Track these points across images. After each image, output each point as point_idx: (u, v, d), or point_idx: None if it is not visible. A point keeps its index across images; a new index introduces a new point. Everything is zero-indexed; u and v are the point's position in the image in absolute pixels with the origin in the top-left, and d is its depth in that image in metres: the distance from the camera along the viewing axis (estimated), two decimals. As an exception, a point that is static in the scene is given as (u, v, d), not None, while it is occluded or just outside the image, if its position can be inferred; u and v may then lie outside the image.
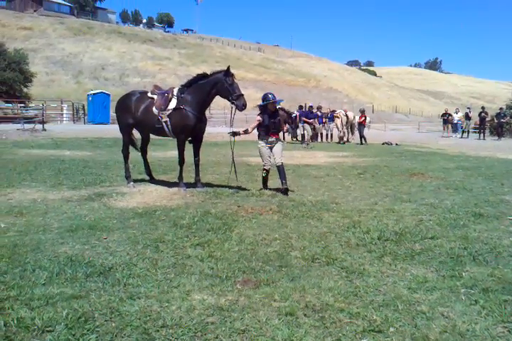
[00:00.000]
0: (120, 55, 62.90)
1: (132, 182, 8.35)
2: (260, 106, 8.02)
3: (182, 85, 8.06)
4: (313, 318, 3.10)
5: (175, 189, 7.96)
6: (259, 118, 7.80)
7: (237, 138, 8.06)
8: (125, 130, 8.59)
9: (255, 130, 7.98)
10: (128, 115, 8.27)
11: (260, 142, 7.92)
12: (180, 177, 8.09)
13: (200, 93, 7.75)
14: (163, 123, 7.85)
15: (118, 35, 71.74)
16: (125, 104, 8.35)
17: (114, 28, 76.69)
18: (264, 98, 7.83)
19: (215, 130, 24.49)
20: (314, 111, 22.60)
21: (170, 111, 7.80)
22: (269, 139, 7.85)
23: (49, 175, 9.33)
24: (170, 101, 7.89)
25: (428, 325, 3.01)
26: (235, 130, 7.90)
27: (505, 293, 3.50)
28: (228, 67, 7.64)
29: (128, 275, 3.80)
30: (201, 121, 7.94)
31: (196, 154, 8.15)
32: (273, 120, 7.82)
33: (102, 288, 3.53)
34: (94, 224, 5.45)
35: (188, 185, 8.03)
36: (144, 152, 9.06)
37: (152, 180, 8.90)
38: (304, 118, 20.63)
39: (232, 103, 7.55)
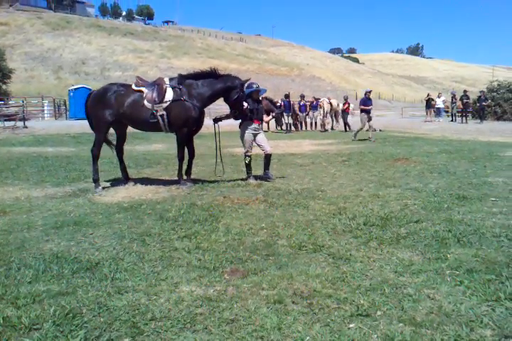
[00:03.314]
0: (100, 48, 61.97)
1: (100, 187, 7.42)
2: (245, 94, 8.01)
3: (181, 75, 7.57)
4: (302, 305, 3.12)
5: (160, 182, 7.91)
6: (243, 103, 7.77)
7: (222, 129, 8.05)
8: (102, 128, 7.53)
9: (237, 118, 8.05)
10: (108, 111, 7.32)
11: (243, 128, 7.96)
12: (180, 174, 7.64)
13: (208, 90, 7.38)
14: (159, 117, 7.25)
15: (98, 29, 70.59)
16: (104, 99, 7.38)
17: (93, 22, 75.41)
18: (249, 86, 7.90)
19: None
20: (295, 100, 22.27)
21: (167, 103, 7.21)
22: (253, 125, 7.90)
23: (32, 172, 9.22)
24: (165, 92, 7.28)
25: (415, 307, 3.05)
26: (217, 116, 7.93)
27: (488, 272, 3.55)
28: (248, 79, 7.71)
29: (115, 270, 3.78)
30: (202, 116, 7.59)
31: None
32: (256, 106, 7.94)
33: (89, 284, 3.50)
34: (79, 220, 5.41)
35: (172, 182, 7.89)
36: (120, 152, 8.05)
37: (133, 179, 8.08)
38: (362, 106, 17.08)
39: (234, 113, 7.65)
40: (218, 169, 8.35)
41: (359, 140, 16.57)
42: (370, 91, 17.36)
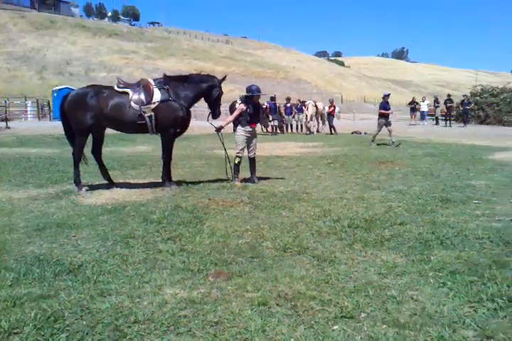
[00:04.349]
0: (85, 49, 61.41)
1: (84, 189, 7.31)
2: (245, 98, 8.19)
3: (166, 76, 7.58)
4: (286, 307, 3.12)
5: (144, 184, 7.85)
6: (243, 106, 7.95)
7: (208, 131, 8.10)
8: (84, 132, 7.34)
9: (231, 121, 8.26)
10: (90, 114, 7.10)
11: (239, 130, 8.07)
12: (165, 175, 7.55)
13: (192, 90, 7.46)
14: (147, 119, 7.13)
15: (82, 29, 69.93)
16: (84, 101, 7.12)
17: (78, 22, 74.75)
18: (250, 90, 8.02)
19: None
20: (279, 102, 22.21)
21: (156, 104, 7.16)
22: (249, 128, 7.98)
23: (14, 173, 9.07)
24: (153, 93, 7.20)
25: (398, 308, 3.07)
26: (217, 126, 8.00)
27: (471, 274, 3.59)
28: (225, 77, 7.79)
29: (98, 273, 3.74)
30: (188, 117, 7.61)
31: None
32: (256, 111, 8.09)
33: (71, 287, 3.46)
34: (62, 222, 5.33)
35: (157, 184, 7.80)
36: (98, 155, 7.84)
37: (112, 184, 7.75)
38: (382, 110, 15.95)
39: (213, 111, 7.70)
40: (228, 173, 8.20)
41: (378, 145, 15.59)
42: (388, 95, 16.38)
